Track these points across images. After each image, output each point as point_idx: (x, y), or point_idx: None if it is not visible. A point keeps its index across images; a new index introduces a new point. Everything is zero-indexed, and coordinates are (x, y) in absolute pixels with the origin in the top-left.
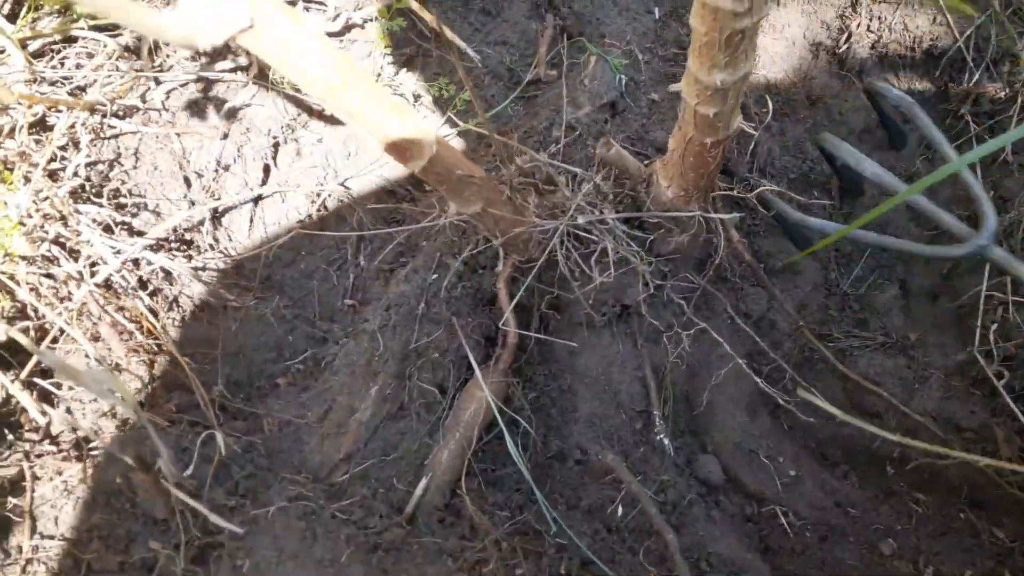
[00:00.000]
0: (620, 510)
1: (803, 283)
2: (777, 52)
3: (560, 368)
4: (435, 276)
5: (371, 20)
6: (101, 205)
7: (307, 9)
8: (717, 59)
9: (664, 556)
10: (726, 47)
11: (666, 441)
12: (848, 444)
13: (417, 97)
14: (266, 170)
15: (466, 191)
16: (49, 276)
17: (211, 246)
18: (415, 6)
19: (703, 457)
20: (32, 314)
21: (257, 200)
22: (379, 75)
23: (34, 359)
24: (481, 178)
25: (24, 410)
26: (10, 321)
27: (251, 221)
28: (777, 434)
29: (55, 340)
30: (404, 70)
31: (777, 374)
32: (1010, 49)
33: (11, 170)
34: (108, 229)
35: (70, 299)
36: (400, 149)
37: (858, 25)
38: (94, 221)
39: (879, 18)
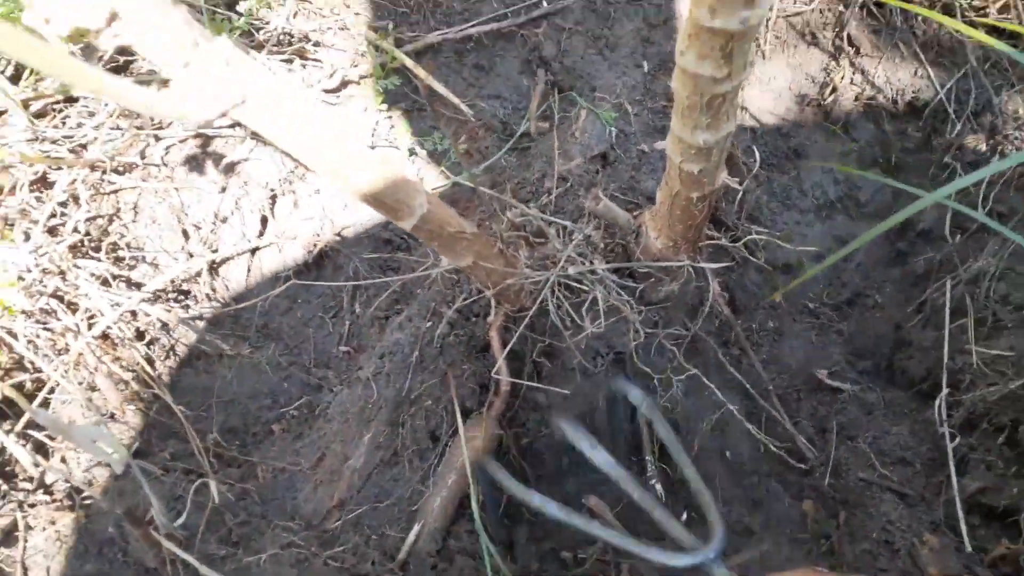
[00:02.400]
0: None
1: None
2: (764, 104)
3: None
4: (429, 324)
5: (367, 77)
6: (99, 259)
7: (304, 66)
8: (699, 121)
9: None
10: (707, 109)
11: (658, 486)
12: None
13: (412, 151)
14: (263, 221)
15: (457, 246)
16: (47, 329)
17: (208, 296)
18: (409, 64)
19: None
20: (29, 367)
21: (254, 251)
22: (375, 130)
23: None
24: (472, 233)
25: (18, 461)
26: (7, 373)
27: (248, 271)
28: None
29: (52, 391)
30: (400, 124)
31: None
32: (990, 101)
33: (12, 227)
34: (106, 283)
35: (67, 351)
36: (392, 209)
37: (842, 78)
38: (92, 275)
39: (862, 71)
